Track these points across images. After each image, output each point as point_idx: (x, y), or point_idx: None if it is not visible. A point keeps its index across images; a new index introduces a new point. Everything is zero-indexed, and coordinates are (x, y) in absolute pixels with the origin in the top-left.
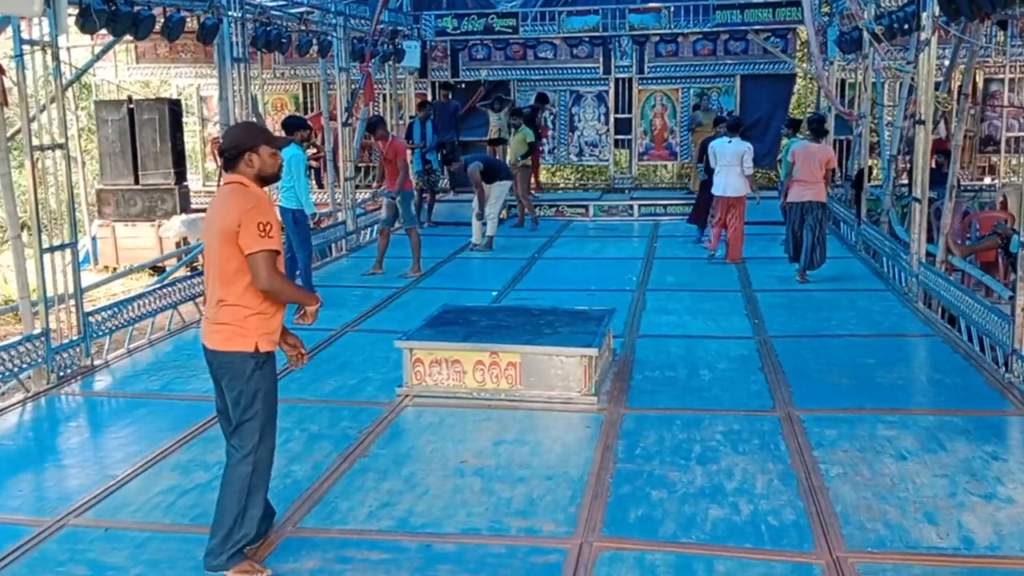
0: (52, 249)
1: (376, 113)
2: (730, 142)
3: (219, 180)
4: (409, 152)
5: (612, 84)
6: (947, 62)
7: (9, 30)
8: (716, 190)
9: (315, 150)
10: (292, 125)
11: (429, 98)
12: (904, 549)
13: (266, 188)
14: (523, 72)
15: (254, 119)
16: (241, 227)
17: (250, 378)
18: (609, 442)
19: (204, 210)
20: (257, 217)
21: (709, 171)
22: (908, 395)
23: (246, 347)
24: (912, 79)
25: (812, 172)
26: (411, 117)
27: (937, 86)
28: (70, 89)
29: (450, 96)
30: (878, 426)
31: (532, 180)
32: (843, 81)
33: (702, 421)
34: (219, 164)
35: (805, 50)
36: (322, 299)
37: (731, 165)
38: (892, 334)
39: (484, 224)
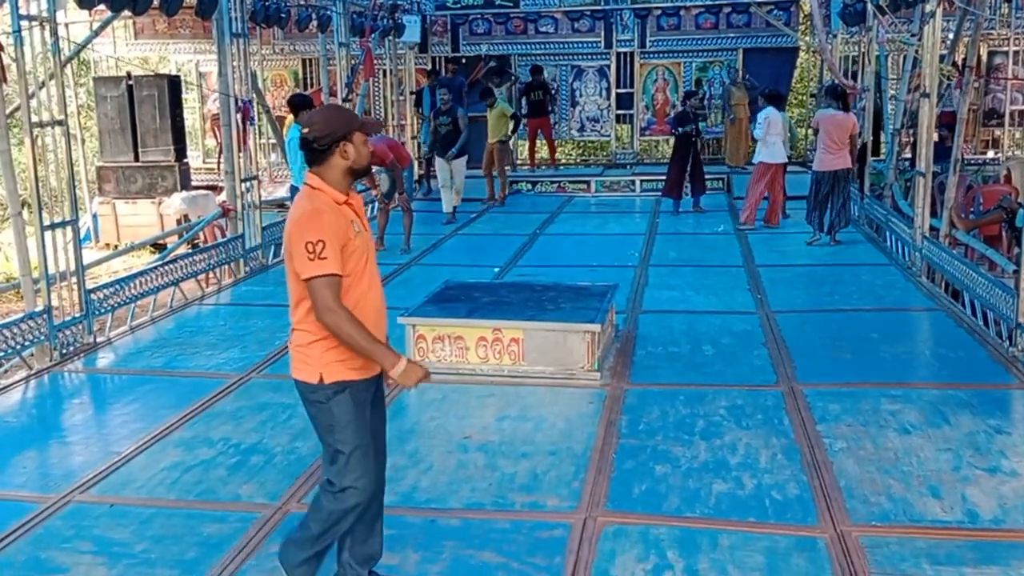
0: (53, 226)
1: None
2: (780, 113)
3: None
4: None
5: (614, 58)
6: (951, 34)
7: (7, 6)
8: (776, 159)
9: None
10: (298, 103)
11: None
12: (908, 523)
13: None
14: (524, 47)
15: (254, 95)
16: (292, 246)
17: (321, 410)
18: (612, 417)
19: (204, 187)
20: (306, 235)
21: (679, 138)
22: (912, 369)
23: (310, 378)
24: (916, 52)
25: (840, 140)
26: (413, 92)
27: (941, 59)
28: (69, 65)
29: (456, 72)
30: (882, 400)
31: (549, 156)
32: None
33: (705, 396)
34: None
35: (808, 23)
36: (404, 362)
37: (781, 134)
38: (895, 308)
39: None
